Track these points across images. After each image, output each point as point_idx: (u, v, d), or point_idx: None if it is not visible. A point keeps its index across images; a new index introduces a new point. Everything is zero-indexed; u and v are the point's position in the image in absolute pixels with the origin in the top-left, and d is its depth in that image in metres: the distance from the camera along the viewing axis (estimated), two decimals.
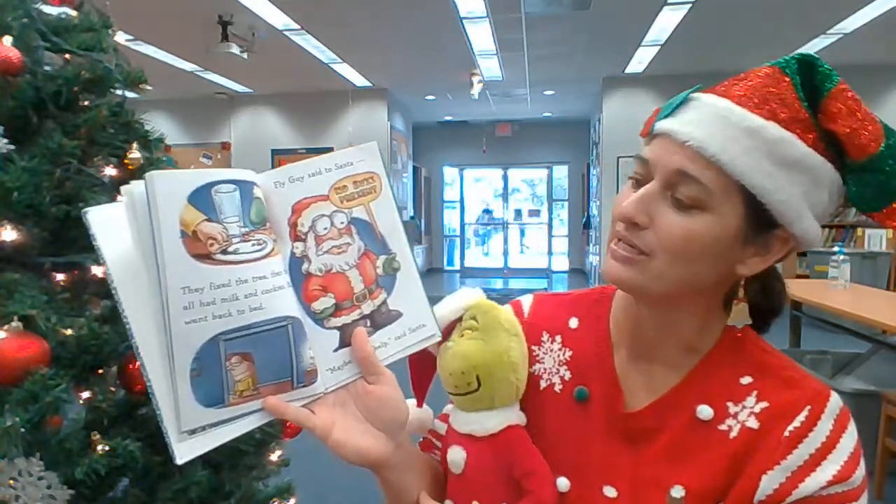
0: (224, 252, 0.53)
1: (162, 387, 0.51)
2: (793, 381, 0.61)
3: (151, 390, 0.51)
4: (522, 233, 13.86)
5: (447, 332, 0.65)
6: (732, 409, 0.61)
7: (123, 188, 0.52)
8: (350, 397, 0.60)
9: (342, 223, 0.60)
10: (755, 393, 0.61)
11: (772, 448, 0.57)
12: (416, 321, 0.62)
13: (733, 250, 0.59)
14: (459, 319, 0.65)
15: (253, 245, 0.55)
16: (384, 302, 0.61)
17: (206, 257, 0.52)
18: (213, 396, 0.52)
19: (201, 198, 0.52)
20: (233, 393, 0.53)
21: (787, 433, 0.58)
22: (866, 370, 3.53)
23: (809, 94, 0.57)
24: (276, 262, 0.57)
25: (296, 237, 0.59)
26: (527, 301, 0.77)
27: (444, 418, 0.72)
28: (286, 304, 0.56)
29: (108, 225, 0.52)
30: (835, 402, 0.59)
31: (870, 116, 0.57)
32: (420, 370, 0.68)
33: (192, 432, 0.52)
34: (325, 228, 0.59)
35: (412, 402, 0.67)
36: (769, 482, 0.57)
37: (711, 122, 0.57)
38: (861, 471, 0.57)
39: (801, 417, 0.58)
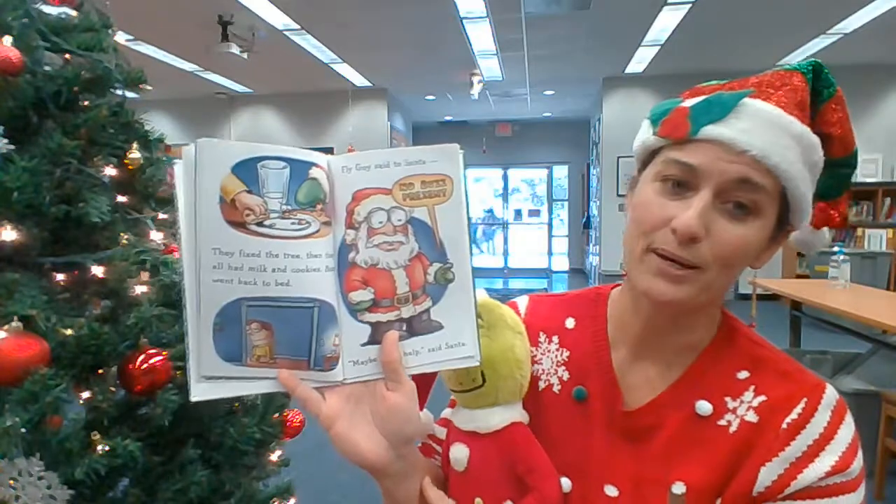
0: (259, 224, 0.54)
1: (193, 329, 0.55)
2: (788, 375, 0.62)
3: (186, 330, 0.55)
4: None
5: None
6: (731, 404, 0.61)
7: (183, 149, 0.55)
8: (367, 395, 0.58)
9: (399, 221, 0.58)
10: (753, 388, 0.61)
11: (770, 440, 0.58)
12: (455, 338, 0.59)
13: (763, 250, 0.60)
14: None
15: (293, 223, 0.55)
16: (427, 310, 0.58)
17: (240, 225, 0.54)
18: (232, 353, 0.55)
19: (246, 170, 0.54)
20: (251, 356, 0.55)
21: (784, 425, 0.58)
22: (866, 370, 3.53)
23: (811, 99, 0.60)
24: (319, 244, 0.56)
25: (350, 224, 0.58)
26: (522, 302, 0.77)
27: (443, 423, 0.72)
28: (319, 286, 0.56)
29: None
30: (831, 393, 0.60)
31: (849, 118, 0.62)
32: (421, 374, 0.68)
33: (209, 379, 0.55)
34: (381, 222, 0.58)
35: None
36: (767, 474, 0.57)
37: (767, 129, 0.57)
38: (859, 462, 0.58)
39: (798, 409, 0.58)
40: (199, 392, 0.55)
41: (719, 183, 0.56)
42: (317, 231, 0.56)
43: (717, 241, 0.56)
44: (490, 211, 13.60)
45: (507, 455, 0.62)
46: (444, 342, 0.59)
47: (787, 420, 0.58)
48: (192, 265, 0.54)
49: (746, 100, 0.58)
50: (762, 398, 0.60)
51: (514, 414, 0.64)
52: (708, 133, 0.57)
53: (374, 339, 0.58)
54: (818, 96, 0.60)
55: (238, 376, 0.55)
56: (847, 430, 0.58)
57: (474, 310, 0.59)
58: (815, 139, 0.58)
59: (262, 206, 0.54)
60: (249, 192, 0.54)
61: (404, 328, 0.58)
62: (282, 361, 0.56)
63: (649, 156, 0.63)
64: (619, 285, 0.73)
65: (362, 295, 0.58)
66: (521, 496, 0.61)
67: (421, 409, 0.68)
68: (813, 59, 0.62)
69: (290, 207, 0.55)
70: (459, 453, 0.63)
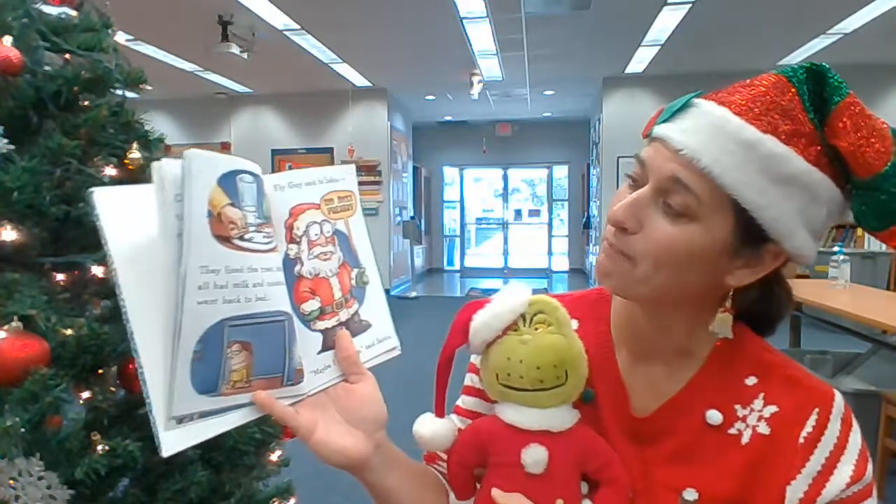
0: (241, 238, 0.54)
1: (155, 372, 0.51)
2: (796, 381, 0.61)
3: (143, 378, 0.50)
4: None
5: (506, 330, 0.62)
6: (741, 412, 0.61)
7: (154, 164, 0.53)
8: (329, 401, 0.61)
9: (329, 232, 0.63)
10: (762, 395, 0.61)
11: (789, 456, 0.58)
12: (382, 333, 0.66)
13: (721, 261, 0.57)
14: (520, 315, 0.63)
15: (264, 237, 0.56)
16: (356, 312, 0.64)
17: (226, 240, 0.53)
18: (208, 383, 0.53)
19: (228, 182, 0.54)
20: (227, 382, 0.54)
21: (801, 439, 0.58)
22: (866, 370, 3.53)
23: (818, 106, 0.55)
24: (278, 258, 0.58)
25: (291, 239, 0.60)
26: None
27: (460, 411, 0.73)
28: (284, 299, 0.58)
29: (114, 206, 0.52)
30: (839, 401, 0.60)
31: (879, 133, 0.54)
32: (443, 380, 0.67)
33: (181, 420, 0.52)
34: (317, 235, 0.62)
35: (429, 415, 0.66)
36: (794, 492, 0.57)
37: (707, 131, 0.55)
38: (870, 466, 0.58)
39: (812, 422, 0.58)
40: (171, 443, 0.51)
41: (657, 180, 0.57)
42: (276, 245, 0.58)
43: (648, 236, 0.57)
44: (483, 212, 13.62)
45: (580, 452, 0.61)
46: (376, 338, 0.65)
47: (804, 434, 0.58)
48: (167, 295, 0.51)
49: (698, 100, 0.58)
50: (773, 409, 0.60)
51: (576, 412, 0.63)
52: (656, 131, 0.59)
53: (327, 346, 0.62)
54: (826, 104, 0.54)
55: (210, 409, 0.53)
56: (856, 437, 0.58)
57: (387, 305, 0.67)
58: (781, 149, 0.53)
59: (243, 220, 0.54)
60: (232, 205, 0.53)
61: (345, 330, 0.63)
62: (256, 383, 0.55)
63: None
64: None
65: (312, 305, 0.61)
66: (590, 492, 0.61)
67: (441, 415, 0.67)
68: (815, 61, 0.57)
69: (261, 221, 0.56)
70: (538, 455, 0.60)
